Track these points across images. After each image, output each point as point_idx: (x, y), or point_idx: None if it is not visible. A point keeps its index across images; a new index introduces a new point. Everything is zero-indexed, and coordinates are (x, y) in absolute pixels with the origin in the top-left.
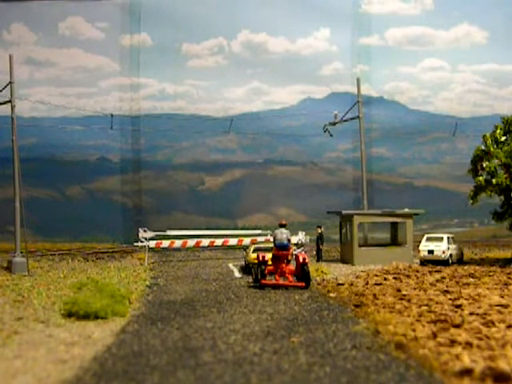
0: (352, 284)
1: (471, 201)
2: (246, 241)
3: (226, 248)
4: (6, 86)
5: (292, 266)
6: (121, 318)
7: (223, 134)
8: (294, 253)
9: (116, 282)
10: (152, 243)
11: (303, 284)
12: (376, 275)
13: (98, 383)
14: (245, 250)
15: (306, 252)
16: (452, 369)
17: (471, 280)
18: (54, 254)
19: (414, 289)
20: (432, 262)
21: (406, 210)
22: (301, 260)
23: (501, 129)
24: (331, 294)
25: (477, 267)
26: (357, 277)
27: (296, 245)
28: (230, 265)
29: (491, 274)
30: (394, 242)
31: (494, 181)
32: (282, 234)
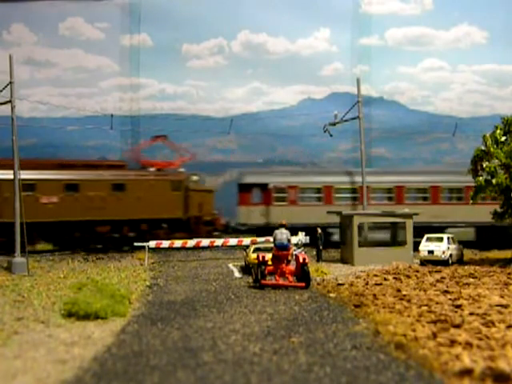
0: (352, 284)
1: (471, 201)
2: (246, 241)
3: (226, 248)
4: (6, 86)
5: (292, 266)
6: (121, 318)
7: (223, 135)
8: (294, 253)
9: (116, 282)
10: (152, 243)
11: (303, 284)
12: (376, 275)
13: (97, 383)
14: (245, 250)
15: (305, 252)
16: (452, 369)
17: (471, 280)
18: (54, 254)
19: (414, 289)
20: (432, 262)
21: (406, 210)
22: (301, 260)
23: (501, 129)
24: (331, 294)
25: (477, 267)
26: (357, 277)
27: (296, 245)
28: (230, 265)
29: (491, 274)
30: (394, 242)
31: (493, 181)
32: (282, 234)
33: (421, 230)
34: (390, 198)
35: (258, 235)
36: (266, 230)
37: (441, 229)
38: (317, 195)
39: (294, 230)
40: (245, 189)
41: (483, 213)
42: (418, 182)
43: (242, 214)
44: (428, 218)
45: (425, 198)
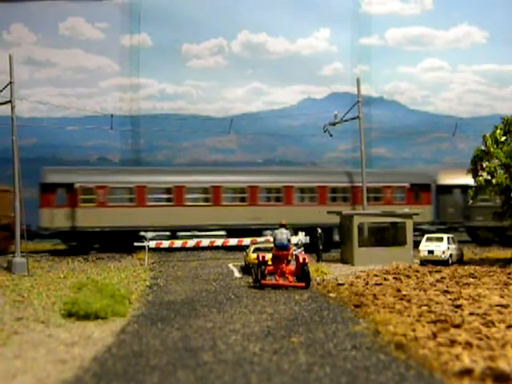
0: (352, 284)
1: (471, 201)
2: (246, 241)
3: (226, 248)
4: (6, 86)
5: (292, 266)
6: (121, 318)
7: (223, 134)
8: (294, 253)
9: (116, 282)
10: (152, 243)
11: (303, 284)
12: (376, 275)
13: (97, 383)
14: (245, 250)
15: (305, 252)
16: (452, 369)
17: (471, 280)
18: (54, 254)
19: (414, 289)
20: (432, 262)
21: (406, 210)
22: (301, 260)
23: (501, 129)
24: (331, 294)
25: (477, 267)
26: (357, 277)
27: (296, 245)
28: (230, 265)
29: (491, 274)
30: (394, 242)
31: (493, 181)
32: (282, 234)
33: (242, 232)
34: (206, 199)
35: (64, 241)
36: (73, 234)
37: (259, 231)
38: (129, 196)
39: (104, 234)
40: (47, 189)
41: (303, 214)
42: (236, 181)
43: (44, 218)
44: (246, 219)
45: (243, 199)
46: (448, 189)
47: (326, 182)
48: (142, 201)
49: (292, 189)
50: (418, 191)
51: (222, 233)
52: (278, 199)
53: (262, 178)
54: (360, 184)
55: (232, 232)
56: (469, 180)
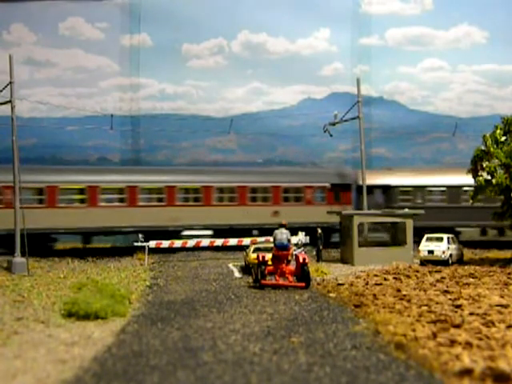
0: (352, 284)
1: (471, 201)
2: (246, 241)
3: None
4: (6, 86)
5: (292, 266)
6: (121, 318)
7: (223, 134)
8: (294, 253)
9: (116, 283)
10: (152, 243)
11: (303, 284)
12: (376, 275)
13: (97, 383)
14: (245, 250)
15: (305, 252)
16: (452, 369)
17: (471, 280)
18: (54, 254)
19: (414, 289)
20: (432, 262)
21: (406, 210)
22: (301, 260)
23: (501, 129)
24: (331, 294)
25: (477, 267)
26: (357, 277)
27: (296, 245)
28: (230, 265)
29: (491, 274)
30: (394, 242)
31: (493, 181)
32: (282, 234)
33: (155, 234)
34: (121, 200)
35: None
36: None
37: (177, 232)
38: (39, 197)
39: (13, 237)
40: None
41: (223, 215)
42: (152, 181)
43: None
44: (163, 221)
45: (160, 200)
46: (369, 189)
47: (245, 182)
48: (53, 202)
49: (211, 189)
50: (338, 191)
51: (140, 235)
52: (196, 200)
53: (179, 178)
54: (281, 184)
55: (150, 234)
56: (389, 180)
